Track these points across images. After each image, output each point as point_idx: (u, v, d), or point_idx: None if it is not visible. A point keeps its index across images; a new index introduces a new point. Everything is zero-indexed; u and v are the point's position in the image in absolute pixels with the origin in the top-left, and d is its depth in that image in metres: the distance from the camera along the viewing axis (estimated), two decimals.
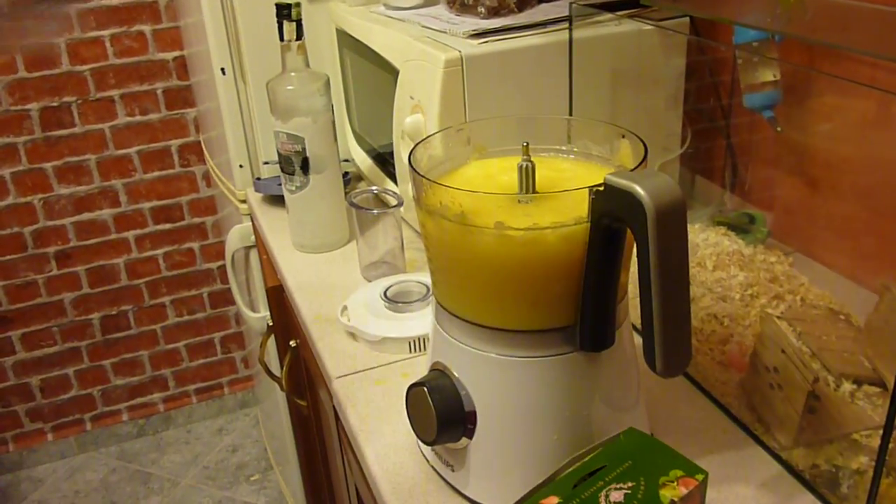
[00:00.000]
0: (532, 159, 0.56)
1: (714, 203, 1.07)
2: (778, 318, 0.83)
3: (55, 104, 1.96)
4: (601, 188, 0.50)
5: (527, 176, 0.57)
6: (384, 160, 1.18)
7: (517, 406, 0.60)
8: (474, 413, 0.61)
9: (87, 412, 2.32)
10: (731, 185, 1.07)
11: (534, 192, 0.56)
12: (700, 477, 0.53)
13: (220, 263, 2.26)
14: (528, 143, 0.56)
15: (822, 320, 0.82)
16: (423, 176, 0.57)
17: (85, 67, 1.95)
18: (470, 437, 0.61)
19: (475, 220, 0.54)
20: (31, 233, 2.07)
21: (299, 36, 1.00)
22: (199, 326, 2.33)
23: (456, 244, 0.57)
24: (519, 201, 0.55)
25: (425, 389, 0.61)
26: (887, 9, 0.79)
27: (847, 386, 0.72)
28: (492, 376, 0.60)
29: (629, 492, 0.52)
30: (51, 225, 2.07)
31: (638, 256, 0.49)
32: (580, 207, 0.53)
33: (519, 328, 0.58)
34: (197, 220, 2.20)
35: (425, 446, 0.68)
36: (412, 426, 0.66)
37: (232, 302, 2.29)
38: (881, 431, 0.58)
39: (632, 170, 0.50)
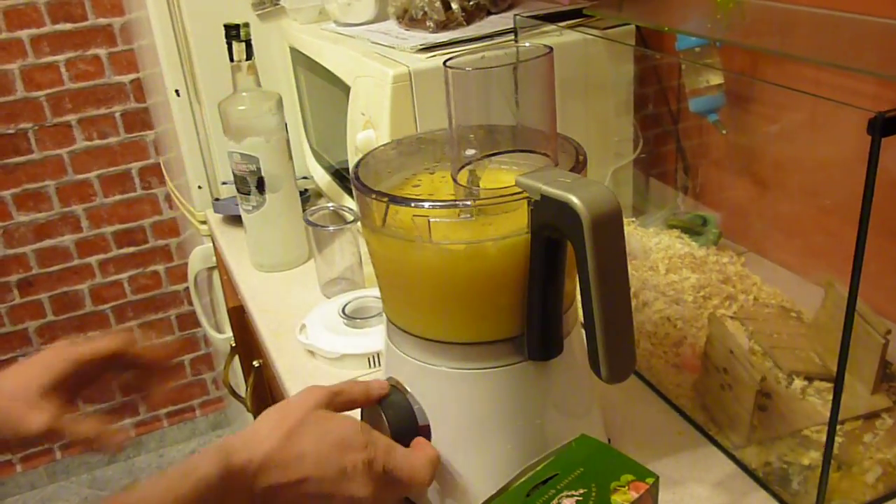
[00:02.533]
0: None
1: (668, 206, 1.08)
2: (731, 318, 0.84)
3: (11, 131, 1.94)
4: (538, 199, 0.51)
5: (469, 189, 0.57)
6: (342, 176, 1.18)
7: (470, 418, 0.60)
8: (428, 427, 0.61)
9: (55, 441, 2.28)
10: (684, 188, 1.08)
11: (474, 203, 0.56)
12: (650, 480, 0.54)
13: (186, 285, 2.24)
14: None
15: (774, 318, 0.84)
16: (362, 190, 0.57)
17: (41, 93, 1.93)
18: None
19: (416, 235, 0.55)
20: None
21: (249, 56, 1.00)
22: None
23: (400, 260, 0.58)
24: (460, 215, 0.55)
25: (379, 406, 0.61)
26: (821, 11, 0.81)
27: (798, 383, 0.73)
28: (443, 390, 0.60)
29: (581, 498, 0.53)
30: (11, 253, 2.04)
31: (577, 266, 0.50)
32: (520, 219, 0.53)
33: (468, 341, 0.58)
34: (161, 242, 2.18)
35: None
36: None
37: (200, 323, 2.27)
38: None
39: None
